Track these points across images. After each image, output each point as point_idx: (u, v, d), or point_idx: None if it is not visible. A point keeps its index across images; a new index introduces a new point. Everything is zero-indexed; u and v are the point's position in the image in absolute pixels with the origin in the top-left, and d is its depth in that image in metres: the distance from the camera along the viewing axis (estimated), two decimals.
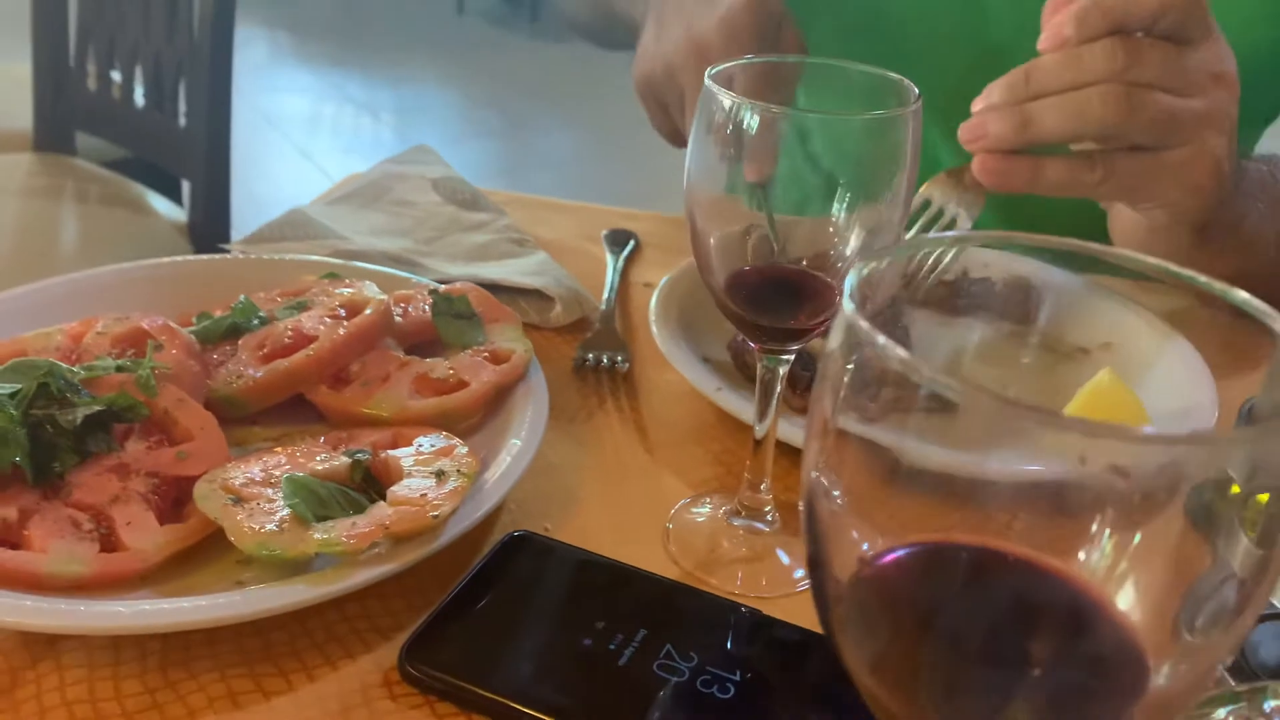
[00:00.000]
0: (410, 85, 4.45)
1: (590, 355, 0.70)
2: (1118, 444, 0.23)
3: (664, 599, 0.50)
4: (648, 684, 0.45)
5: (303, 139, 3.77)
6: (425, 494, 0.49)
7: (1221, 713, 0.32)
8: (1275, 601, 0.45)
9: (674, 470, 0.62)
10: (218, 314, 0.62)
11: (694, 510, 0.58)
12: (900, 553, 0.28)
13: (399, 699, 0.45)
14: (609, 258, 0.83)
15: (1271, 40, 0.79)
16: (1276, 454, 0.23)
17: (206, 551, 0.50)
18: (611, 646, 0.47)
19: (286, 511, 0.48)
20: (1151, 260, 0.29)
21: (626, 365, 0.70)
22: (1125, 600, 0.26)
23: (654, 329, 0.68)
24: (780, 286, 0.51)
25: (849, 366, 0.26)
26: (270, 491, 0.49)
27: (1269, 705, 0.31)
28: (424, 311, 0.64)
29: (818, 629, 0.43)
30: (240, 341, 0.60)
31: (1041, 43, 0.59)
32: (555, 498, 0.58)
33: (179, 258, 0.71)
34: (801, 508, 0.29)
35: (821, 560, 0.28)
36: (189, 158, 1.55)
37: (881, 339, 0.24)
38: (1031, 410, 0.22)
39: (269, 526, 0.47)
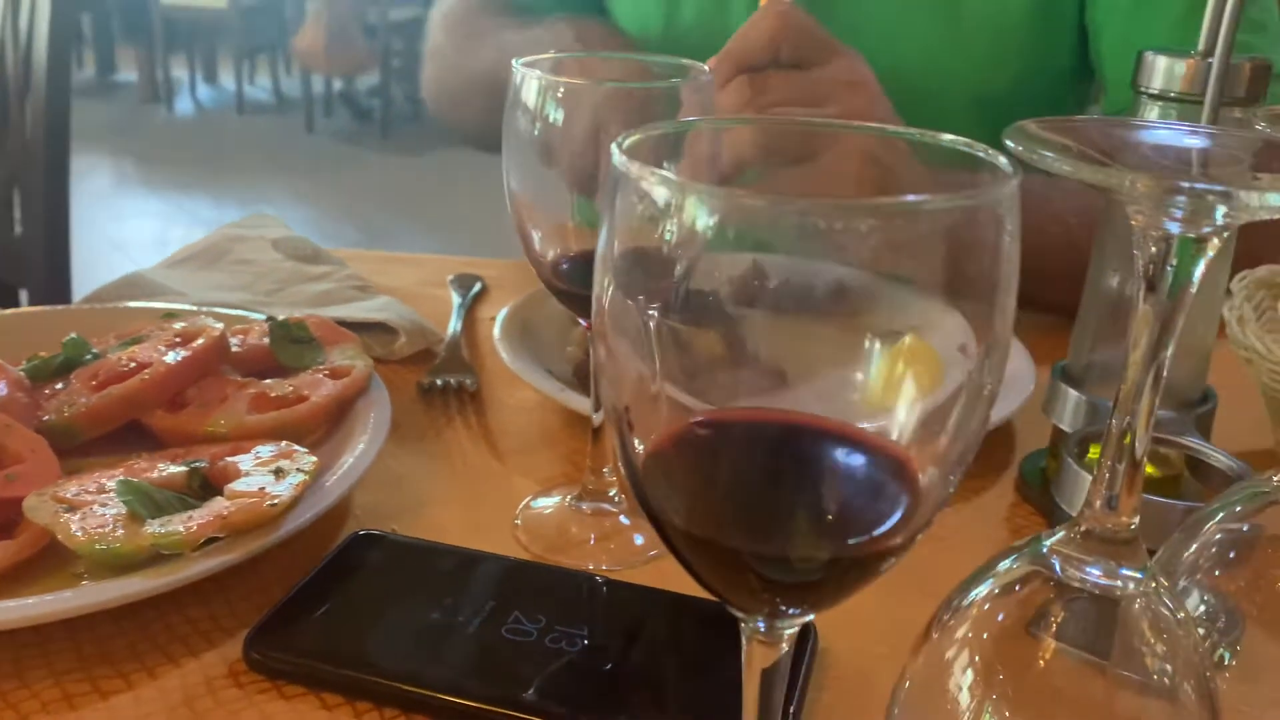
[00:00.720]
0: (261, 204, 4.42)
1: (438, 379, 0.71)
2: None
3: (511, 576, 0.51)
4: (496, 646, 0.46)
5: (151, 261, 3.69)
6: (264, 488, 0.49)
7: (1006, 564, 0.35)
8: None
9: (523, 472, 0.63)
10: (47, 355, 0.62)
11: (542, 501, 0.59)
12: (695, 419, 0.30)
13: (245, 686, 0.45)
14: (455, 297, 0.85)
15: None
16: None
17: (43, 566, 0.48)
18: (460, 619, 0.47)
19: (121, 510, 0.47)
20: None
21: (474, 385, 0.71)
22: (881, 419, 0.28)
23: (498, 345, 0.70)
24: None
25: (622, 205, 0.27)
26: (104, 498, 0.48)
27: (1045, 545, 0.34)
28: (262, 340, 0.64)
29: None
30: (73, 374, 0.59)
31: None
32: (404, 505, 0.58)
33: (9, 310, 0.70)
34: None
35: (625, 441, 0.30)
36: (26, 266, 1.52)
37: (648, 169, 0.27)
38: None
39: (103, 527, 0.46)
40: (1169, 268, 0.30)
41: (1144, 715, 0.34)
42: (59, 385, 0.59)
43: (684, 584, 0.49)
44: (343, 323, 0.73)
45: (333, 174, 4.82)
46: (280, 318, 0.65)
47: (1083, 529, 0.33)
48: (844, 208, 0.24)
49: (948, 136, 0.29)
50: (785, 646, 0.32)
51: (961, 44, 0.92)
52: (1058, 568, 0.34)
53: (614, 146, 0.27)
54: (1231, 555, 0.40)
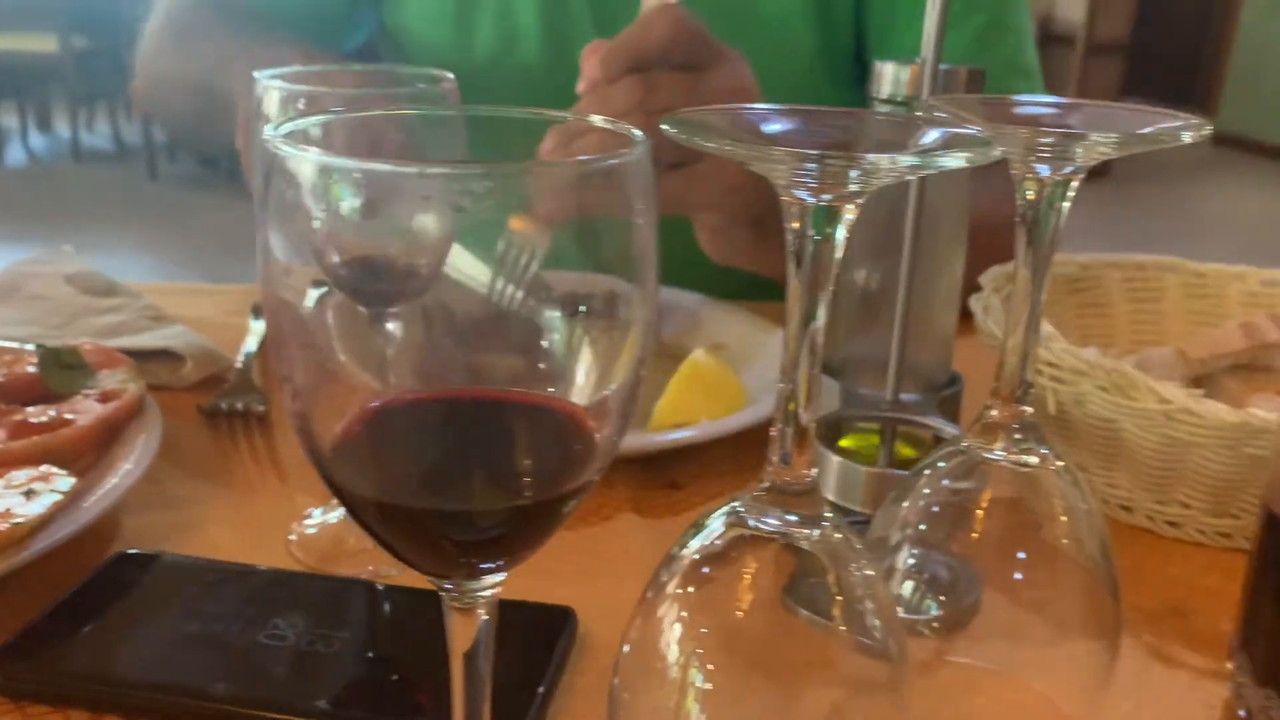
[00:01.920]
0: (101, 254, 4.26)
1: (223, 403, 0.70)
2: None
3: (276, 586, 0.51)
4: (249, 651, 0.46)
5: None
6: (10, 509, 0.48)
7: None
8: None
9: (304, 489, 0.63)
10: None
11: (320, 515, 0.59)
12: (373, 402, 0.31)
13: None
14: (254, 324, 0.84)
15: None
16: None
17: None
18: (217, 629, 0.47)
19: None
20: None
21: (263, 408, 0.71)
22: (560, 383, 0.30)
23: None
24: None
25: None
26: None
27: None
28: (29, 369, 0.63)
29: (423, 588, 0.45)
30: None
31: (578, 86, 0.68)
32: (178, 525, 0.58)
33: None
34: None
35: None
36: None
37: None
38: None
39: None
40: (809, 237, 0.33)
41: (831, 655, 0.37)
42: None
43: None
44: (128, 351, 0.71)
45: (178, 220, 4.69)
46: (50, 344, 0.64)
47: (766, 484, 0.36)
48: (469, 174, 0.26)
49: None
50: (483, 614, 0.33)
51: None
52: (750, 520, 0.36)
53: (267, 130, 0.28)
54: (935, 510, 0.43)
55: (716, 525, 0.37)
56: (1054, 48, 5.72)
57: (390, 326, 0.30)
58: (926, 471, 0.43)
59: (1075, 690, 0.45)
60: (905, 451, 0.62)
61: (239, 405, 0.70)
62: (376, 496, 0.31)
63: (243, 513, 0.60)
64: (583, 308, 0.30)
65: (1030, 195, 0.38)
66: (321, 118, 0.31)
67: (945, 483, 0.43)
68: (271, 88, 0.49)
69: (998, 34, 0.93)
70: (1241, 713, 0.47)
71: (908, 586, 0.43)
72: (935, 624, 0.43)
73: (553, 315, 0.30)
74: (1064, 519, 0.42)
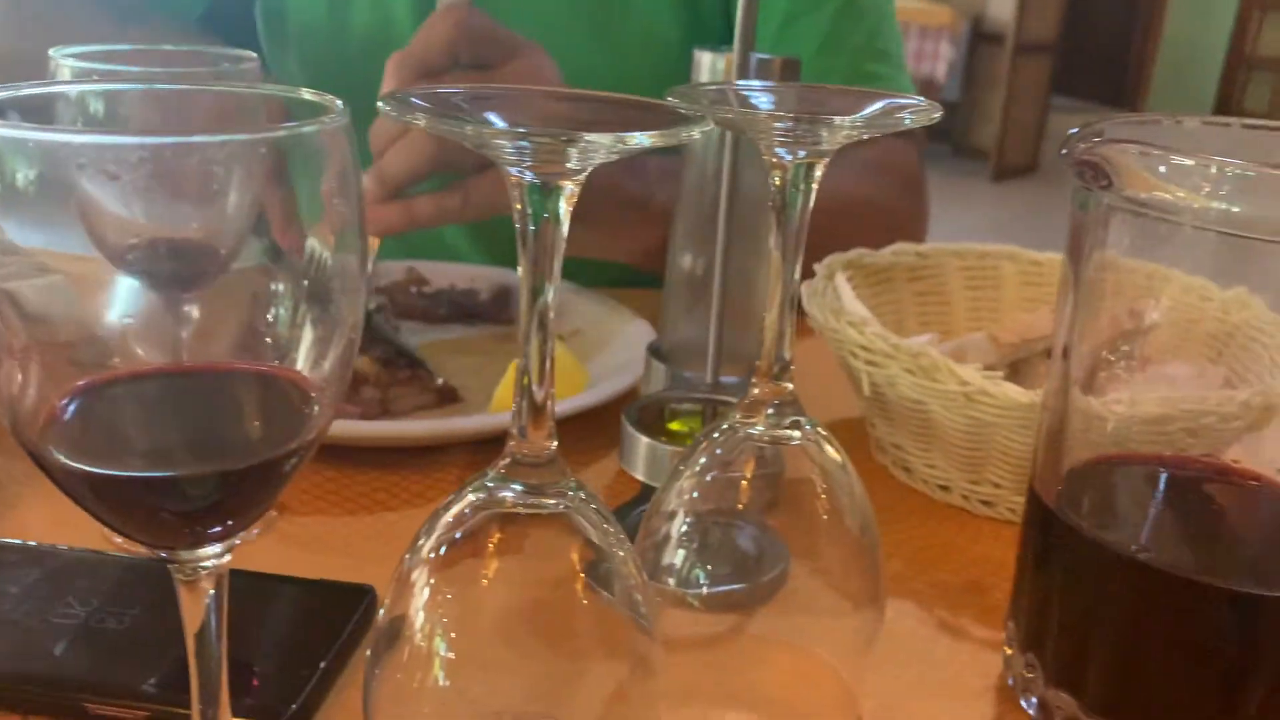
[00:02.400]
0: None
1: None
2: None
3: (76, 566, 0.51)
4: (36, 629, 0.46)
5: None
6: None
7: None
8: None
9: None
10: None
11: None
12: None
13: None
14: None
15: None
16: None
17: None
18: (4, 608, 0.47)
19: None
20: None
21: None
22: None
23: None
24: None
25: None
26: None
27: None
28: None
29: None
30: None
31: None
32: None
33: None
34: None
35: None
36: None
37: None
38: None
39: None
40: (530, 216, 0.33)
41: (575, 624, 0.38)
42: None
43: (260, 563, 0.50)
44: None
45: None
46: None
47: (508, 459, 0.37)
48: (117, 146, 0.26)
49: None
50: (209, 587, 0.34)
51: (618, 61, 0.97)
52: (496, 492, 0.37)
53: None
54: (708, 479, 0.44)
55: (465, 498, 0.38)
56: (984, 47, 5.80)
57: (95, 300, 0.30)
58: (702, 445, 0.45)
59: (852, 657, 0.46)
60: None
61: None
62: (85, 471, 0.31)
63: (56, 494, 0.60)
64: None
65: (776, 181, 0.39)
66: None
67: (715, 455, 0.44)
68: (64, 65, 0.49)
69: (854, 18, 0.94)
70: (1010, 680, 0.48)
71: (679, 555, 0.44)
72: (706, 595, 0.45)
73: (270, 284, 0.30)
74: (823, 490, 0.43)
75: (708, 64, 0.59)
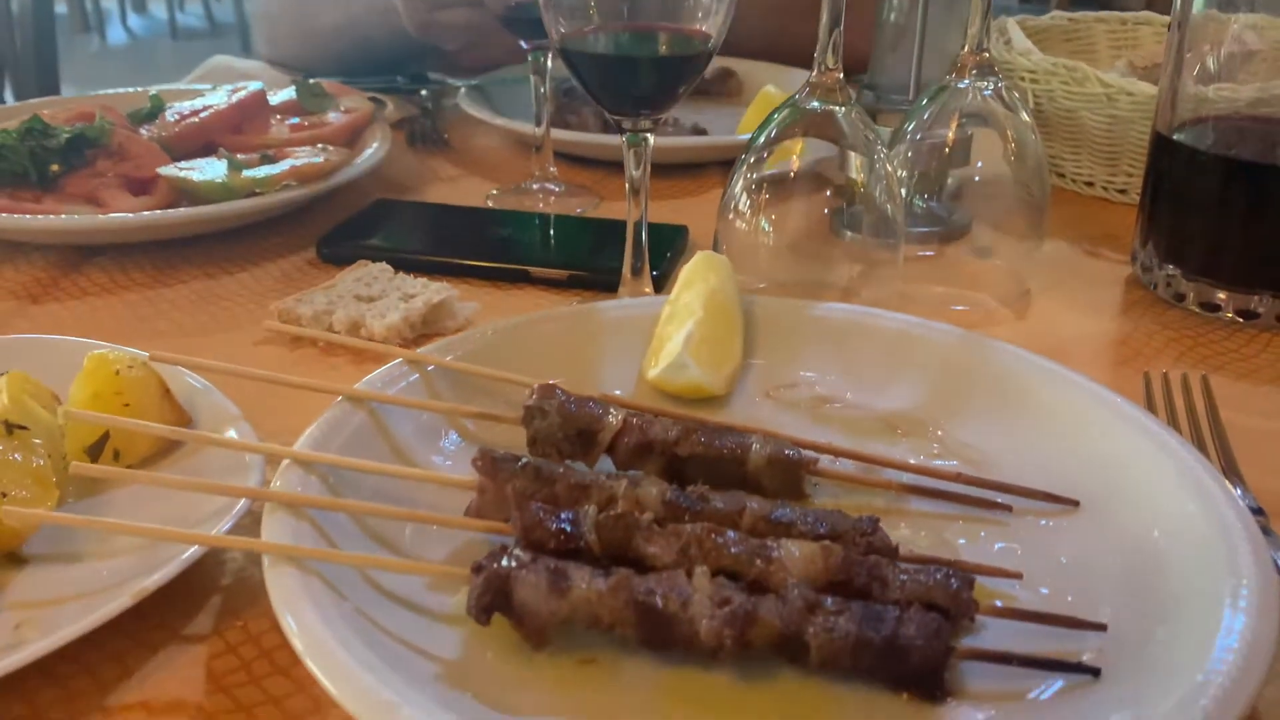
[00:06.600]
0: None
1: (417, 131, 0.96)
2: None
3: (479, 214, 0.76)
4: (481, 224, 0.71)
5: None
6: (310, 160, 0.74)
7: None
8: None
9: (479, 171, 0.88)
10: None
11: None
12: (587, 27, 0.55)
13: None
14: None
15: None
16: None
17: None
18: (447, 234, 0.73)
19: (225, 168, 0.71)
20: None
21: (446, 137, 0.95)
22: None
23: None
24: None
25: None
26: (210, 161, 0.73)
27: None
28: (291, 96, 0.88)
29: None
30: (158, 119, 0.83)
31: None
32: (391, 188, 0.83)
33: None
34: None
35: None
36: None
37: None
38: None
39: (217, 176, 0.70)
40: None
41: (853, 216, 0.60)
42: (148, 126, 0.83)
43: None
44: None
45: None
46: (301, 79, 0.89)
47: (810, 83, 0.59)
48: None
49: None
50: (647, 144, 0.57)
51: None
52: (803, 103, 0.59)
53: None
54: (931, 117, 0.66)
55: (784, 113, 0.60)
56: None
57: None
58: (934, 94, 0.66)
59: (1022, 260, 0.68)
60: None
61: (431, 133, 0.95)
62: (596, 58, 0.55)
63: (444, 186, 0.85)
64: None
65: None
66: None
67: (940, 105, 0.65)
68: None
69: None
70: (1135, 265, 0.69)
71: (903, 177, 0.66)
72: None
73: None
74: (1010, 131, 0.64)
75: None
